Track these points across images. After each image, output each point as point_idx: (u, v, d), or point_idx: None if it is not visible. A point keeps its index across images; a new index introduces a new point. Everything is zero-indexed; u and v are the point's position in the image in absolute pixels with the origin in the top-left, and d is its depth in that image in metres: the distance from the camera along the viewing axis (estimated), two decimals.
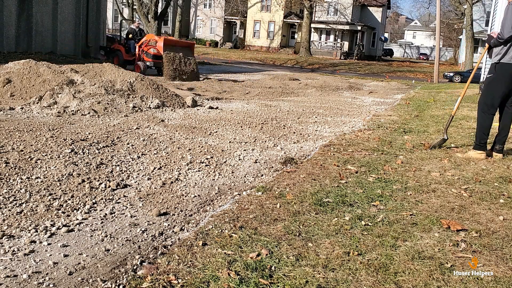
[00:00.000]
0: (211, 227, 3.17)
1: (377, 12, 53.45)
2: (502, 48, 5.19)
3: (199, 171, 4.69)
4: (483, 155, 5.41)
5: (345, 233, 3.13)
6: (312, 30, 49.39)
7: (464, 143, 6.35)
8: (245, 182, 4.46)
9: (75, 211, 3.42)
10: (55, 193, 3.72)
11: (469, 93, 15.22)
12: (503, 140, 5.46)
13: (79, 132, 5.91)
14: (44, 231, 3.02)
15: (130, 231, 3.14)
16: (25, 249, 2.76)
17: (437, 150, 5.89)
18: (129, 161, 4.82)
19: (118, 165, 4.64)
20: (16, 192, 3.67)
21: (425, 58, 68.37)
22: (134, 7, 44.11)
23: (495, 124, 5.54)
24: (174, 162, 4.93)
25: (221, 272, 2.51)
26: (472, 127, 7.82)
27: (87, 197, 3.72)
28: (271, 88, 14.46)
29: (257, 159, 5.27)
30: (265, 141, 6.30)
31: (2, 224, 3.09)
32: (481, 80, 14.02)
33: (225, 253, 2.76)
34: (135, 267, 2.61)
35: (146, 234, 3.09)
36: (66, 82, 8.39)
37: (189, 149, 5.49)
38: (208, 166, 4.85)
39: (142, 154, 5.12)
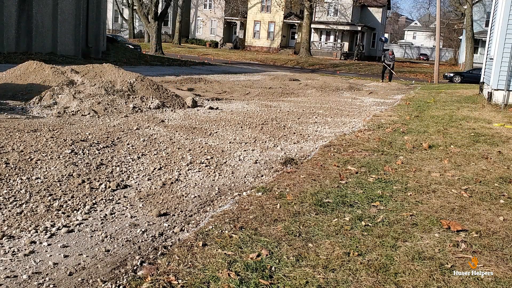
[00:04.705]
0: (211, 227, 3.17)
1: (377, 13, 53.42)
2: None
3: (199, 171, 4.69)
4: None
5: (345, 234, 3.13)
6: (312, 30, 49.36)
7: (464, 143, 6.35)
8: (245, 182, 4.46)
9: (75, 211, 3.42)
10: (55, 194, 3.72)
11: (469, 93, 15.21)
12: None
13: (79, 132, 5.91)
14: (44, 231, 3.02)
15: (130, 231, 3.14)
16: (25, 249, 2.76)
17: (437, 150, 5.89)
18: (129, 162, 4.82)
19: (118, 166, 4.64)
20: (16, 192, 3.67)
21: (425, 58, 68.29)
22: (134, 7, 44.17)
23: None
24: (174, 162, 4.93)
25: (221, 273, 2.52)
26: (472, 128, 7.82)
27: (87, 197, 3.72)
28: (271, 89, 14.46)
29: (257, 160, 5.27)
30: (265, 142, 6.30)
31: (2, 224, 3.09)
32: (481, 80, 14.00)
33: (225, 253, 2.76)
34: (135, 268, 2.61)
35: (146, 235, 3.09)
36: (66, 82, 8.39)
37: (189, 150, 5.49)
38: (208, 167, 4.85)
39: (142, 155, 5.12)
